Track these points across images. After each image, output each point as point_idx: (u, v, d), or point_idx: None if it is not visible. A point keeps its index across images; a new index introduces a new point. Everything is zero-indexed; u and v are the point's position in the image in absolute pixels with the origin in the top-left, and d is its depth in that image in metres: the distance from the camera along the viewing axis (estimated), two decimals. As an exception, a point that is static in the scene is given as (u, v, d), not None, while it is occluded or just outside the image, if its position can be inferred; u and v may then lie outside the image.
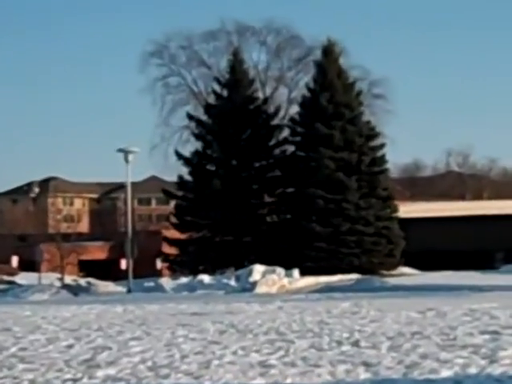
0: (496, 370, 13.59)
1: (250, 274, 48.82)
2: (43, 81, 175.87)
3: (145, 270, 57.29)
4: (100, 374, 14.58)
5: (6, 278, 76.49)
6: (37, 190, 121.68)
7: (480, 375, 13.14)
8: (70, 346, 19.17)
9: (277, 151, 59.91)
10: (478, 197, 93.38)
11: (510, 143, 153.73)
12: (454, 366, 14.21)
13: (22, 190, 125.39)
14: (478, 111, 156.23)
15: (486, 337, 18.28)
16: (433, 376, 13.23)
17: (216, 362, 15.60)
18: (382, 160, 58.29)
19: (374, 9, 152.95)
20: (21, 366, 15.84)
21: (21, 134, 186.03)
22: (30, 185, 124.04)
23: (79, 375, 14.44)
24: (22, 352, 18.29)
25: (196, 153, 60.55)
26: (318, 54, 60.13)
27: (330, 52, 58.46)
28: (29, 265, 77.95)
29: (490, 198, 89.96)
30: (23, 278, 69.72)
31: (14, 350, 18.74)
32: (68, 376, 14.39)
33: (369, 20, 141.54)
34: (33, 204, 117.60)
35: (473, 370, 13.69)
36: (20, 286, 59.83)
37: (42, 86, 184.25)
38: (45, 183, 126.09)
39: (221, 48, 67.79)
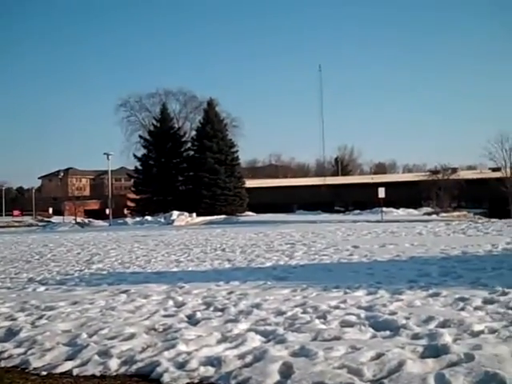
0: (292, 262, 13.75)
1: (171, 215, 48.58)
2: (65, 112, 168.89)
3: (118, 214, 56.47)
4: (94, 266, 14.33)
5: (46, 219, 75.15)
6: (62, 173, 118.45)
7: (285, 265, 13.27)
8: (79, 253, 18.78)
9: (185, 154, 59.52)
10: (285, 177, 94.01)
11: (301, 146, 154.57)
12: (272, 260, 14.31)
13: (54, 174, 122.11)
14: (282, 128, 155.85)
15: (288, 246, 18.47)
16: (262, 266, 13.31)
17: (154, 260, 15.46)
18: (237, 158, 58.35)
19: (230, 80, 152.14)
20: (52, 264, 15.46)
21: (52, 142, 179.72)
22: (58, 171, 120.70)
23: (83, 268, 14.18)
24: (53, 256, 17.86)
25: (144, 155, 59.98)
26: (205, 105, 59.79)
27: (211, 103, 58.29)
28: (58, 212, 76.76)
29: (291, 177, 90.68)
30: (55, 219, 68.25)
31: (49, 255, 18.30)
32: (77, 268, 14.11)
33: (229, 85, 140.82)
34: (60, 181, 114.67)
35: (282, 262, 13.81)
36: (53, 223, 58.62)
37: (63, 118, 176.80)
38: (66, 170, 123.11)
39: (156, 102, 67.14)
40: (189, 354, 5.55)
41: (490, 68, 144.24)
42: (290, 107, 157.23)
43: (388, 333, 6.11)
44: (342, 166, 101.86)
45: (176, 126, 64.13)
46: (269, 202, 58.52)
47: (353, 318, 6.80)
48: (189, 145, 60.92)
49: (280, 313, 7.37)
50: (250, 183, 61.77)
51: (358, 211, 49.73)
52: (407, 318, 6.65)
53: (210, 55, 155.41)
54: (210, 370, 5.09)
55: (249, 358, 5.33)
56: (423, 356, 5.19)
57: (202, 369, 5.13)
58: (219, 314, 7.54)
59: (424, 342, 5.65)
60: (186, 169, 58.76)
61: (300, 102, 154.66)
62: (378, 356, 5.14)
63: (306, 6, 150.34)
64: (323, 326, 6.50)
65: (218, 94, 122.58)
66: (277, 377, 4.83)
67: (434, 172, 56.39)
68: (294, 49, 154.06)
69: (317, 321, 6.78)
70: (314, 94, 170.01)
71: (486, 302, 7.62)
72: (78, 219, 63.59)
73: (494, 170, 53.41)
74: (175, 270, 13.21)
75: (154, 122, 61.99)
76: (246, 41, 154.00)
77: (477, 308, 7.23)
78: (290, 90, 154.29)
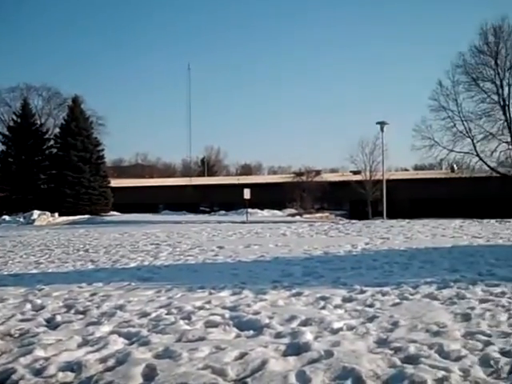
0: (157, 263, 13.62)
1: (31, 215, 46.62)
2: None
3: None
4: None
5: None
6: None
7: (150, 265, 13.11)
8: None
9: (47, 151, 57.04)
10: (151, 177, 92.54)
11: (168, 145, 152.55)
12: (137, 261, 14.11)
13: None
14: (149, 128, 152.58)
15: (153, 246, 18.25)
16: (126, 266, 13.09)
17: (11, 262, 14.73)
18: (102, 157, 56.64)
19: (96, 77, 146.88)
20: None
21: None
22: None
23: None
24: None
25: (2, 151, 57.05)
26: (70, 102, 57.70)
27: (76, 100, 56.28)
28: None
29: (157, 177, 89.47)
30: None
31: None
32: None
33: (95, 83, 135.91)
34: None
35: (146, 263, 13.65)
36: None
37: None
38: None
39: (17, 97, 63.90)
40: (47, 359, 5.32)
41: (353, 73, 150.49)
42: (158, 106, 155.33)
43: (252, 332, 6.19)
44: (208, 167, 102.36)
45: (38, 122, 61.43)
46: (134, 202, 57.66)
47: (217, 319, 6.84)
48: (52, 142, 58.48)
49: (144, 314, 7.28)
50: (116, 182, 60.45)
51: (223, 212, 50.17)
52: (271, 318, 6.78)
53: (73, 50, 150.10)
54: (69, 376, 4.91)
55: (111, 362, 5.20)
56: (286, 354, 5.31)
57: (60, 374, 4.93)
58: (81, 316, 7.33)
59: (286, 340, 5.78)
60: (49, 167, 56.46)
61: (168, 102, 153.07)
62: (242, 355, 5.20)
63: (177, 7, 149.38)
64: (188, 327, 6.48)
65: (83, 91, 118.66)
66: (140, 379, 4.75)
67: (299, 174, 57.97)
68: (164, 47, 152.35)
69: (181, 322, 6.75)
70: (182, 93, 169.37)
71: (345, 300, 7.95)
72: None
73: (354, 172, 55.68)
74: (34, 271, 12.66)
75: (14, 118, 58.98)
76: (113, 36, 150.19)
77: (337, 306, 7.51)
78: (157, 88, 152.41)
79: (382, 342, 5.63)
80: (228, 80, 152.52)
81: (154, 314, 7.22)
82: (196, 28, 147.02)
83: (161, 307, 7.70)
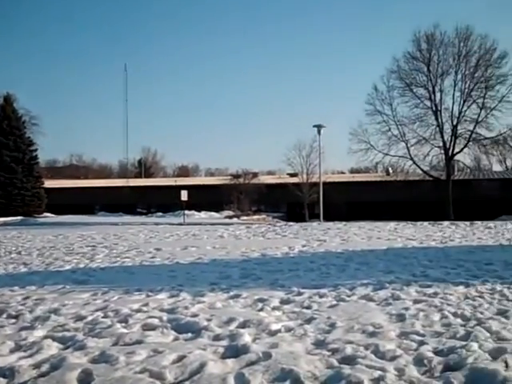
0: (93, 265, 13.37)
1: (-40, 216, 45.37)
2: None
3: None
4: None
5: None
6: None
7: (85, 268, 12.86)
8: None
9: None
10: (86, 178, 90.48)
11: (103, 146, 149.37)
12: (72, 263, 13.80)
13: None
14: (84, 128, 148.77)
15: (89, 248, 17.89)
16: (61, 269, 12.78)
17: None
18: (35, 157, 55.02)
19: (31, 76, 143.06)
20: None
21: None
22: None
23: None
24: None
25: None
26: (1, 100, 56.02)
27: (8, 99, 54.68)
28: None
29: (93, 178, 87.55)
30: None
31: None
32: None
33: (29, 82, 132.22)
34: None
35: (82, 265, 13.37)
36: None
37: None
38: None
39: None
40: (-22, 365, 5.15)
41: (292, 75, 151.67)
42: (93, 107, 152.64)
43: (190, 335, 6.16)
44: (145, 168, 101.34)
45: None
46: (69, 203, 56.63)
47: (155, 321, 6.78)
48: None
49: (80, 318, 7.15)
50: (50, 183, 59.15)
51: (160, 214, 49.81)
52: (209, 320, 6.76)
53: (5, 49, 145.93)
54: (1, 382, 4.76)
55: (45, 367, 5.08)
56: (224, 356, 5.30)
57: (-8, 381, 4.78)
58: (13, 321, 7.14)
59: (225, 342, 5.78)
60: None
61: (104, 102, 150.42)
62: (180, 358, 5.17)
63: (112, 7, 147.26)
64: (125, 330, 6.40)
65: (16, 89, 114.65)
66: (75, 385, 4.66)
67: (236, 176, 58.10)
68: (101, 46, 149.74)
69: (118, 325, 6.66)
70: (119, 94, 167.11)
71: (283, 302, 8.00)
72: None
73: (291, 175, 56.21)
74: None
75: None
76: (47, 35, 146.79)
77: (274, 308, 7.55)
78: (93, 88, 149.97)
79: (319, 344, 5.70)
80: (165, 81, 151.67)
81: (89, 318, 7.09)
82: (135, 28, 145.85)
83: (97, 310, 7.57)
